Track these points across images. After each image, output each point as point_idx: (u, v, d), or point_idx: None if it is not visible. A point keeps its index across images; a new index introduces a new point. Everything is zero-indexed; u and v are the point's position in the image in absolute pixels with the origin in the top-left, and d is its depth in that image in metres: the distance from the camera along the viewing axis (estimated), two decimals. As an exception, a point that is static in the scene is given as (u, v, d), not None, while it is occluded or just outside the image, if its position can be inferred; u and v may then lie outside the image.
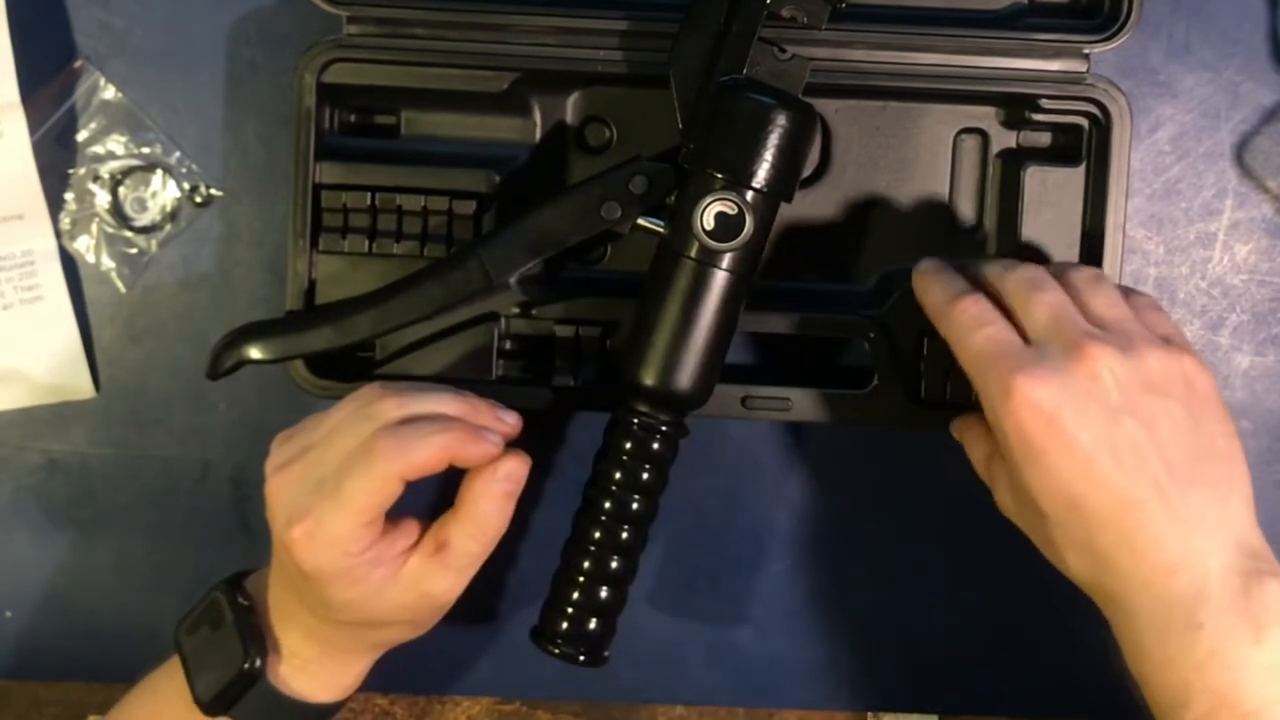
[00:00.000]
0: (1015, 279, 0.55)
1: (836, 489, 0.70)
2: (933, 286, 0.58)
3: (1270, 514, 0.70)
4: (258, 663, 0.57)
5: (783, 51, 0.59)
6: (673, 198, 0.59)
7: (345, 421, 0.56)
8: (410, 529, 0.57)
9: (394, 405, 0.55)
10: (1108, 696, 0.71)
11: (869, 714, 0.72)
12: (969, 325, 0.54)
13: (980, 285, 0.57)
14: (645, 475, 0.58)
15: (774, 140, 0.57)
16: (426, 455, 0.54)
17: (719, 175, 0.57)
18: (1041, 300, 0.54)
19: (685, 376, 0.57)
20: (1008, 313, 0.55)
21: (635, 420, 0.58)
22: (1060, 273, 0.56)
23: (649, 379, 0.58)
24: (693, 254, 0.57)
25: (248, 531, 0.70)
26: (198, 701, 0.58)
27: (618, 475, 0.58)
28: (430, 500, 0.61)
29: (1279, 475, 0.70)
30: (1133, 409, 0.51)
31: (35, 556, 0.70)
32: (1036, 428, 0.51)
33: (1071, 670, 0.71)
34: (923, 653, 0.71)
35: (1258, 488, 0.70)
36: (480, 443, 0.55)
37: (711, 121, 0.57)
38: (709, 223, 0.57)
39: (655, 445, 0.58)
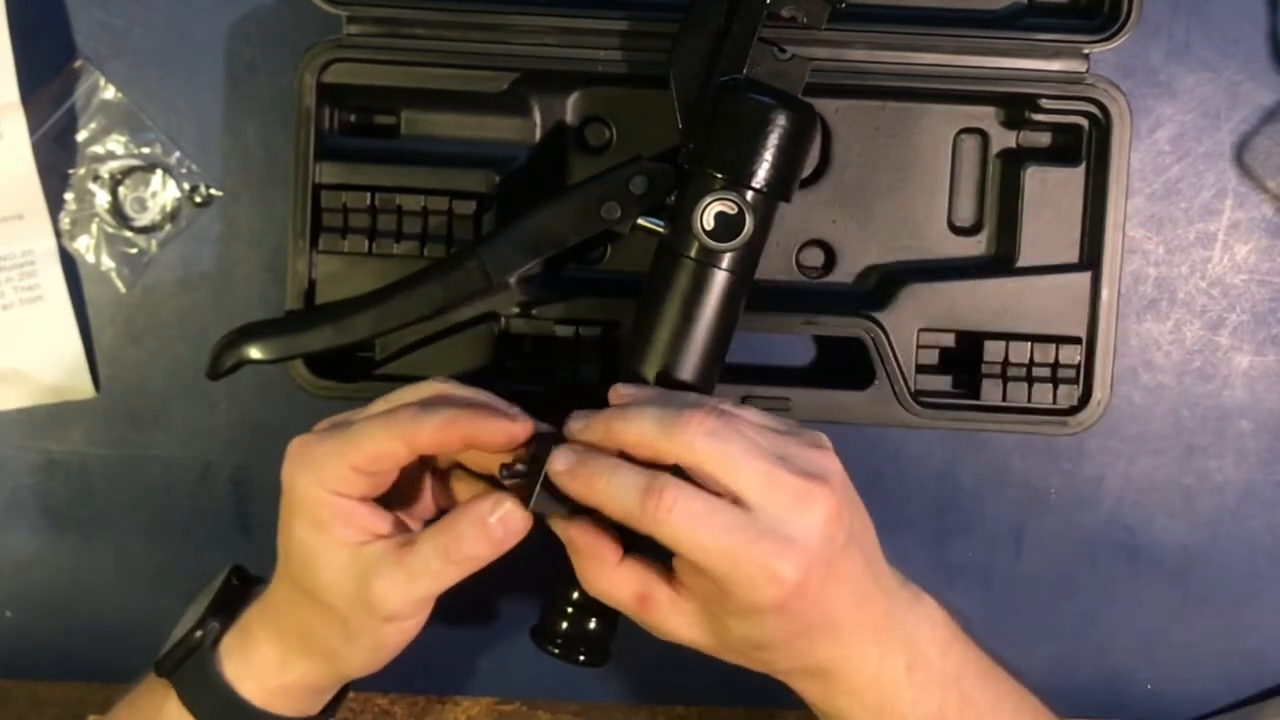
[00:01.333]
0: (679, 439, 0.50)
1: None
2: (608, 487, 0.51)
3: (1271, 514, 0.71)
4: (204, 633, 0.57)
5: (782, 51, 0.59)
6: (673, 198, 0.59)
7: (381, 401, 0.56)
8: (392, 524, 0.55)
9: (422, 392, 0.55)
10: (1106, 696, 0.71)
11: (869, 714, 0.71)
12: (685, 521, 0.49)
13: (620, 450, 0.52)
14: None
15: (774, 140, 0.56)
16: (438, 423, 0.52)
17: (719, 175, 0.56)
18: (727, 461, 0.50)
19: (685, 375, 0.57)
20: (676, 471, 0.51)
21: None
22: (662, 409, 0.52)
23: (649, 378, 0.57)
24: (693, 254, 0.57)
25: (248, 531, 0.70)
26: (155, 663, 0.58)
27: None
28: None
29: (1279, 476, 0.70)
30: (856, 536, 0.53)
31: (35, 556, 0.70)
32: (791, 595, 0.50)
33: (1070, 670, 0.71)
34: (923, 653, 0.71)
35: (1258, 487, 0.70)
36: (499, 420, 0.53)
37: (711, 121, 0.57)
38: (709, 222, 0.56)
39: None
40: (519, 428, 0.53)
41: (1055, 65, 0.64)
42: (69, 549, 0.70)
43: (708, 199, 0.56)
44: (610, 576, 0.53)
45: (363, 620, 0.54)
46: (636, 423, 0.51)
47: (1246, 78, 0.69)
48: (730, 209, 0.56)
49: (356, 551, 0.54)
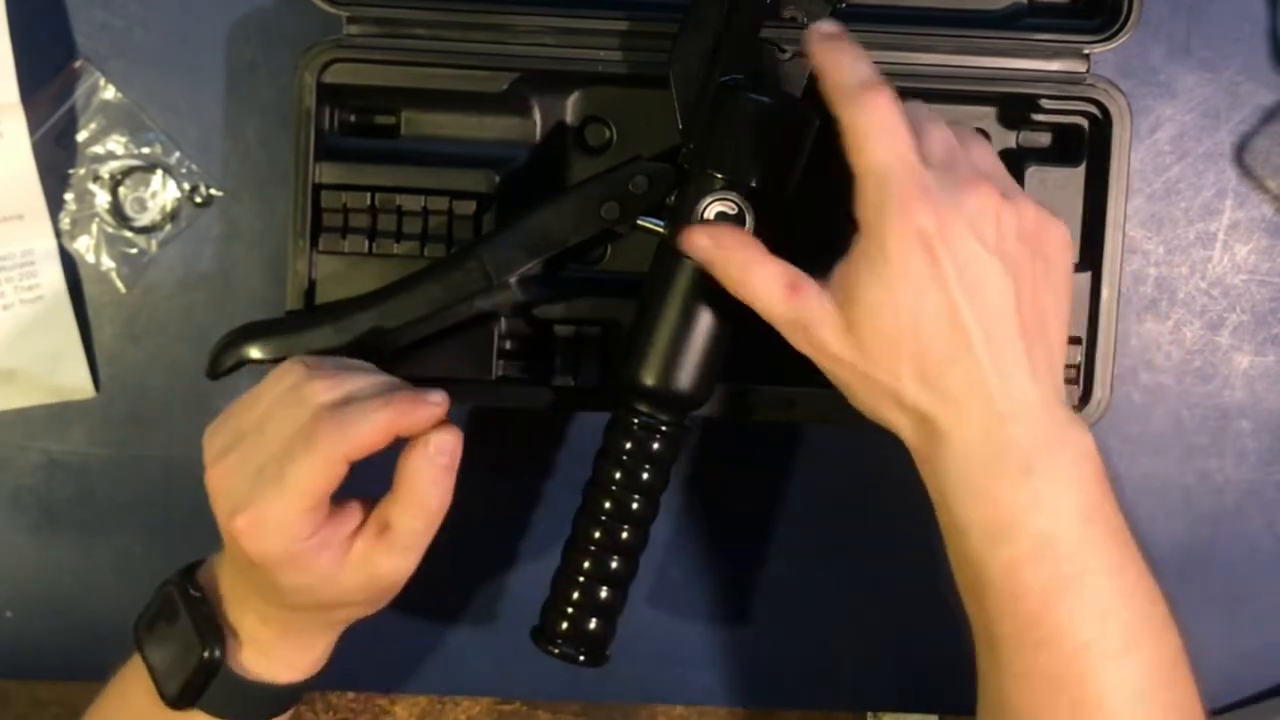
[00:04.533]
0: (910, 106, 0.54)
1: (836, 489, 0.70)
2: (841, 62, 0.54)
3: (1271, 514, 0.71)
4: (216, 653, 0.56)
5: (783, 51, 0.59)
6: (673, 198, 0.59)
7: (278, 405, 0.54)
8: (354, 512, 0.56)
9: (325, 388, 0.54)
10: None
11: (869, 714, 0.72)
12: (880, 127, 0.52)
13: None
14: (645, 475, 0.58)
15: (774, 140, 0.56)
16: (371, 432, 0.53)
17: (719, 175, 0.56)
18: (937, 132, 0.54)
19: (685, 377, 0.57)
20: None
21: (635, 420, 0.58)
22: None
23: (649, 379, 0.57)
24: None
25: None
26: (164, 698, 0.57)
27: (618, 475, 0.58)
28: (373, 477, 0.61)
29: (1279, 476, 0.70)
30: (1005, 255, 0.52)
31: (35, 556, 0.70)
32: (920, 250, 0.51)
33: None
34: (923, 653, 0.71)
35: (1258, 487, 0.70)
36: (423, 406, 0.54)
37: (711, 121, 0.57)
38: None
39: (655, 445, 0.58)
40: (441, 408, 0.55)
41: (1055, 65, 0.64)
42: (69, 549, 0.70)
43: (708, 199, 0.56)
44: (764, 267, 0.54)
45: (381, 594, 0.57)
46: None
47: (1246, 78, 0.69)
48: (730, 209, 0.56)
49: (346, 560, 0.55)
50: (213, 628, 0.57)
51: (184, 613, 0.57)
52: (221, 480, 0.54)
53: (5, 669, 0.71)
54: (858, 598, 0.70)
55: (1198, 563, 0.71)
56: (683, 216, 0.57)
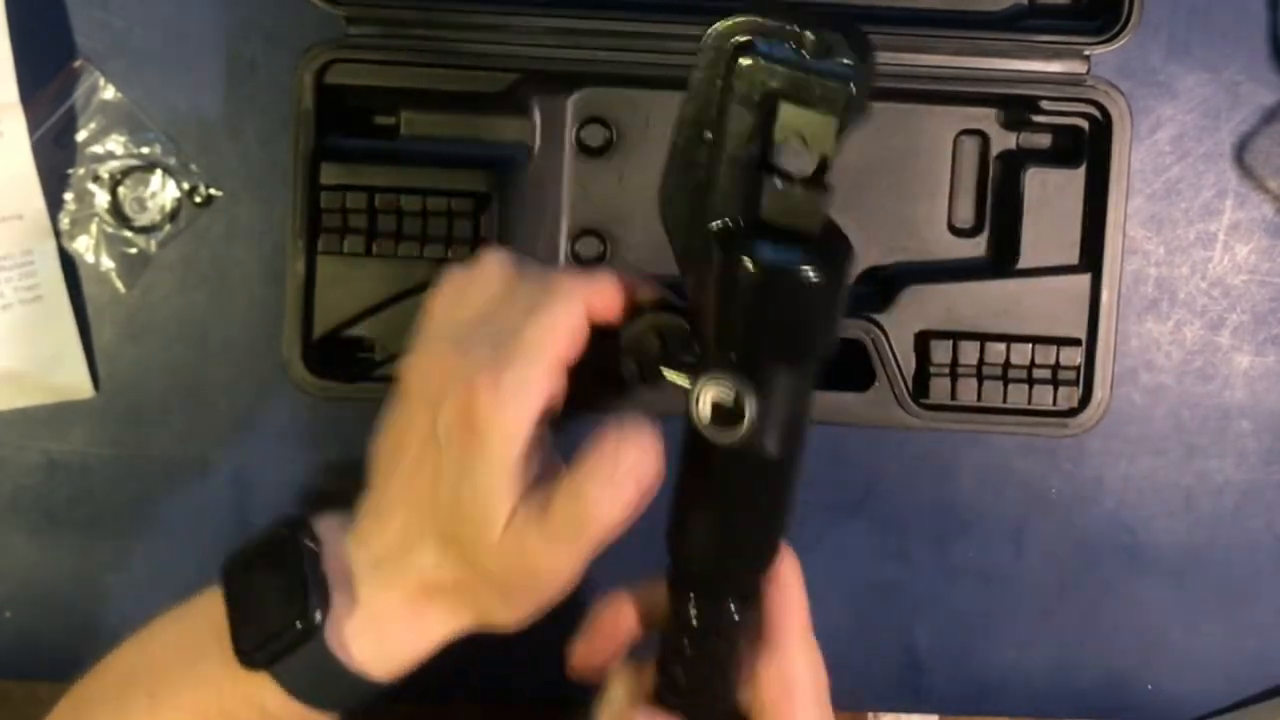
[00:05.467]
0: None
1: (836, 489, 0.70)
2: None
3: (1271, 514, 0.71)
4: (318, 617, 0.48)
5: (788, 180, 0.42)
6: (692, 352, 0.48)
7: (500, 281, 0.49)
8: (550, 468, 0.49)
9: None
10: (1106, 696, 0.71)
11: (869, 714, 0.72)
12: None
13: None
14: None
15: (781, 308, 0.43)
16: (610, 284, 0.48)
17: (718, 351, 0.45)
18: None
19: (727, 564, 0.49)
20: None
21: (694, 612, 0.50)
22: None
23: (690, 567, 0.50)
24: (704, 436, 0.45)
25: (248, 531, 0.70)
26: (238, 651, 0.49)
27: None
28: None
29: (1279, 476, 0.70)
30: None
31: (35, 556, 0.70)
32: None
33: (1070, 670, 0.71)
34: (923, 653, 0.71)
35: (1258, 487, 0.70)
36: (648, 284, 0.48)
37: (701, 281, 0.45)
38: (706, 413, 0.45)
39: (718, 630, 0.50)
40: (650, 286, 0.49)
41: (1055, 66, 0.64)
42: (69, 549, 0.70)
43: (702, 382, 0.45)
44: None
45: (522, 594, 0.49)
46: None
47: (1246, 78, 0.69)
48: (726, 398, 0.44)
49: (510, 523, 0.47)
50: (322, 588, 0.49)
51: (293, 562, 0.50)
52: (452, 363, 0.47)
53: (5, 669, 0.71)
54: (858, 597, 0.70)
55: (1198, 563, 0.71)
56: (690, 394, 0.46)
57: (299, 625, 0.49)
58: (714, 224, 0.44)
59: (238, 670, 0.49)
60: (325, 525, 0.52)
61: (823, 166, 0.42)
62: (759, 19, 0.42)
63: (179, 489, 0.70)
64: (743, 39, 0.42)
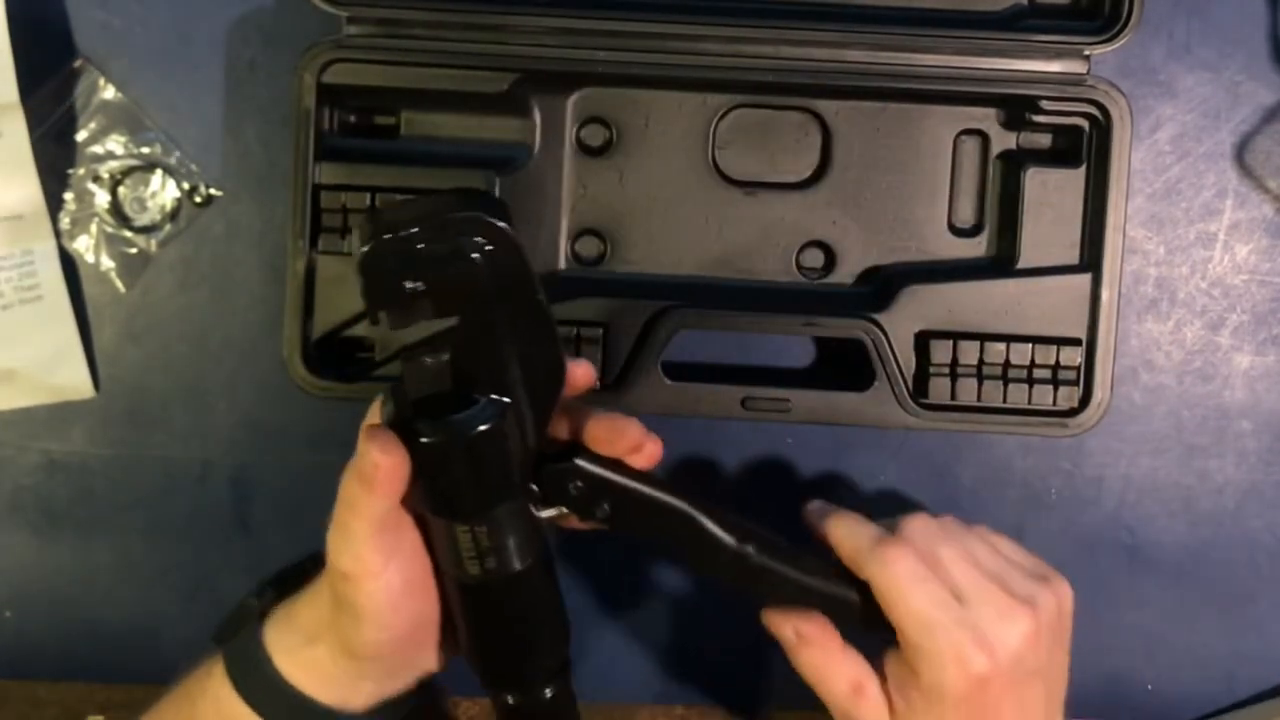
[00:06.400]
0: (916, 530, 0.55)
1: (837, 489, 0.70)
2: (847, 529, 0.56)
3: (1271, 514, 0.71)
4: (257, 601, 0.56)
5: (415, 357, 0.50)
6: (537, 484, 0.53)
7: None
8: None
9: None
10: (1106, 696, 0.71)
11: (869, 714, 0.71)
12: (907, 578, 0.53)
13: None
14: None
15: (437, 469, 0.50)
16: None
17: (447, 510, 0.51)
18: (949, 551, 0.55)
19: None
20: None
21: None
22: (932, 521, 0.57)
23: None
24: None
25: (248, 531, 0.70)
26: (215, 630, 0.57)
27: None
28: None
29: (1279, 476, 0.70)
30: (1046, 672, 0.54)
31: (35, 556, 0.70)
32: (977, 690, 0.52)
33: (1070, 670, 0.71)
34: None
35: (1258, 487, 0.70)
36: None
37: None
38: (469, 555, 0.52)
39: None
40: None
41: (1056, 66, 0.64)
42: (69, 549, 0.70)
43: (457, 530, 0.51)
44: (838, 666, 0.56)
45: (336, 584, 0.53)
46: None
47: (1247, 78, 0.69)
48: (472, 544, 0.52)
49: None
50: (282, 583, 0.57)
51: (284, 567, 0.58)
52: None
53: (5, 669, 0.71)
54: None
55: (1198, 563, 0.71)
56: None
57: (249, 604, 0.56)
58: (395, 420, 0.51)
59: (210, 662, 0.56)
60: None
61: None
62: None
63: (179, 489, 0.70)
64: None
